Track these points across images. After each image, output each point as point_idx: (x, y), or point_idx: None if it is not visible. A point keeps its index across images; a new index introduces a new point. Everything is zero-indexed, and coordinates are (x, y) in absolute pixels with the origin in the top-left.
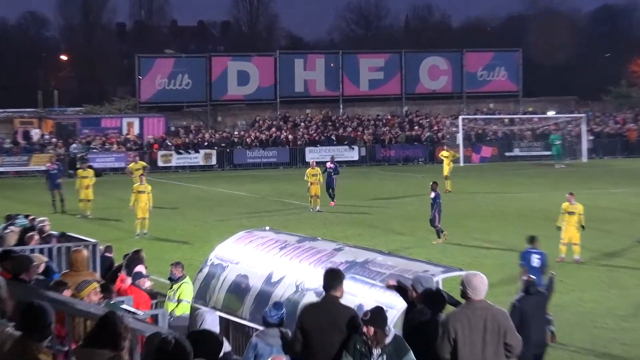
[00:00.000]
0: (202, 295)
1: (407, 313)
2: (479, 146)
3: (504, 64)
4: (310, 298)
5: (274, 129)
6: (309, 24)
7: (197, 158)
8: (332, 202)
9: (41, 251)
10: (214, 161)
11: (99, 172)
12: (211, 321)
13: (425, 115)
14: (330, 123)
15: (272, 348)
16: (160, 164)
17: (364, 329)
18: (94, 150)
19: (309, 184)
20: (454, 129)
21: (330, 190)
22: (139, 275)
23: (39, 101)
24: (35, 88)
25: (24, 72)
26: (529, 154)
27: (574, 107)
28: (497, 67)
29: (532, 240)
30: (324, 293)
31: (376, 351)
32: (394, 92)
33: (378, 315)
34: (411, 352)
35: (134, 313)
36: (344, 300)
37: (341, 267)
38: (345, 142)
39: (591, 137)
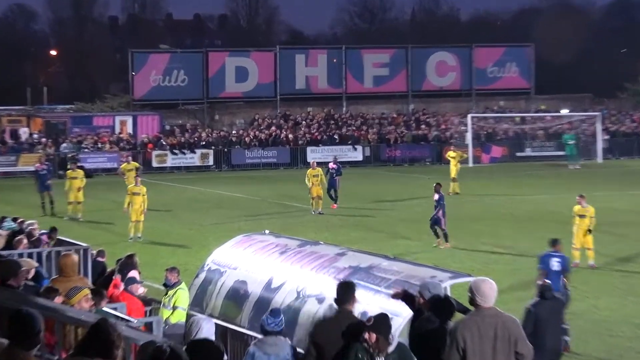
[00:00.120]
0: (199, 302)
1: (414, 321)
2: (489, 146)
3: (515, 60)
4: (312, 305)
5: (273, 128)
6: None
7: (193, 158)
8: (335, 205)
9: (30, 255)
10: (211, 161)
11: (90, 173)
12: (207, 329)
13: (433, 114)
14: (332, 122)
15: (269, 357)
16: (154, 164)
17: (366, 336)
18: (85, 150)
19: (310, 185)
20: (463, 128)
21: (333, 192)
22: (132, 280)
23: (28, 98)
24: (23, 85)
25: (12, 68)
26: (541, 154)
27: (589, 105)
28: (507, 63)
29: (554, 242)
30: (335, 306)
31: None
32: (399, 89)
33: (382, 321)
34: None
35: (127, 320)
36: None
37: (344, 273)
38: (349, 142)
39: (606, 137)
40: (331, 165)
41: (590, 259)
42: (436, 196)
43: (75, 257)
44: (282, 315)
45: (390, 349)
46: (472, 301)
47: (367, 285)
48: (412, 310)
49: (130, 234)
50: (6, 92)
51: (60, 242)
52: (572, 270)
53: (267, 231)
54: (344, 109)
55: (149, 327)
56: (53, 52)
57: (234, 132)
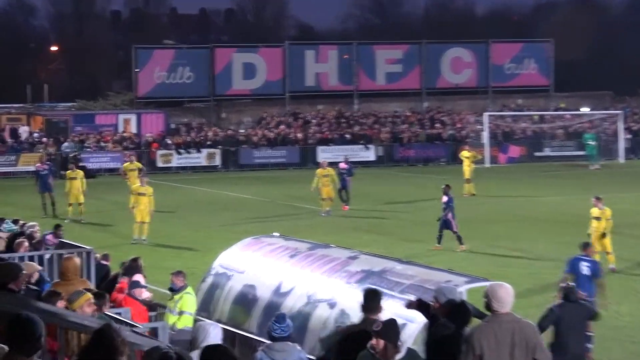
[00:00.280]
0: (206, 306)
1: (430, 327)
2: (506, 145)
3: (534, 56)
4: (323, 310)
5: (282, 127)
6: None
7: (199, 158)
8: (346, 207)
9: (31, 258)
10: (217, 161)
11: (92, 173)
12: (215, 335)
13: (448, 112)
14: (344, 120)
15: None
16: (159, 164)
17: (373, 342)
18: (88, 150)
19: (319, 185)
20: (479, 126)
21: (344, 193)
22: (136, 284)
23: (28, 96)
24: (23, 82)
25: (11, 65)
26: (561, 154)
27: (610, 103)
28: (525, 59)
29: (585, 246)
30: (363, 315)
31: None
32: (413, 86)
33: (390, 327)
34: None
35: (132, 325)
36: (358, 312)
37: (357, 277)
38: (361, 141)
39: (629, 136)
40: (342, 165)
41: (610, 262)
42: (445, 198)
43: (78, 260)
44: (288, 321)
45: (399, 356)
46: (488, 306)
47: (381, 290)
48: (427, 319)
49: (134, 235)
50: (5, 89)
51: (63, 245)
52: (604, 276)
53: (276, 234)
54: (356, 106)
55: (154, 332)
56: (54, 48)
57: (241, 130)
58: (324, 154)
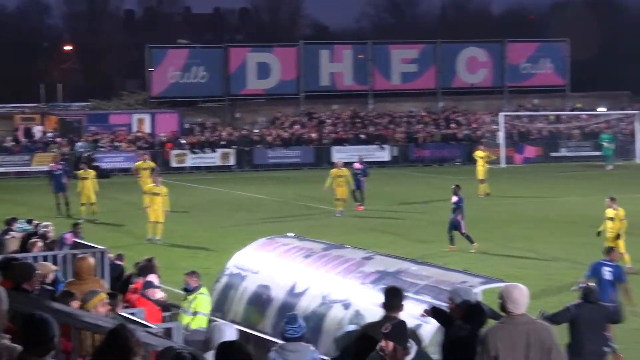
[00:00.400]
0: (220, 307)
1: (447, 328)
2: (522, 146)
3: (550, 56)
4: (338, 310)
5: (297, 127)
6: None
7: (213, 158)
8: (361, 207)
9: (45, 258)
10: (232, 161)
11: (106, 173)
12: (230, 335)
13: (463, 112)
14: (358, 120)
15: None
16: (173, 164)
17: (382, 344)
18: (102, 149)
19: (334, 185)
20: (495, 126)
21: (358, 194)
22: (149, 284)
23: (42, 95)
24: (37, 81)
25: (25, 64)
26: (577, 154)
27: (627, 102)
28: (541, 59)
29: (609, 251)
30: (384, 313)
31: None
32: (428, 86)
33: (399, 329)
34: None
35: (146, 326)
36: (373, 313)
37: (371, 278)
38: (376, 141)
39: None
40: (356, 165)
41: (626, 262)
42: (455, 198)
43: (92, 260)
44: (300, 321)
45: (408, 358)
46: (503, 307)
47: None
48: (443, 324)
49: (148, 234)
50: (19, 89)
51: (76, 245)
52: (627, 280)
53: (290, 234)
54: (371, 106)
55: (168, 333)
56: (68, 48)
57: (255, 130)
58: (339, 154)
